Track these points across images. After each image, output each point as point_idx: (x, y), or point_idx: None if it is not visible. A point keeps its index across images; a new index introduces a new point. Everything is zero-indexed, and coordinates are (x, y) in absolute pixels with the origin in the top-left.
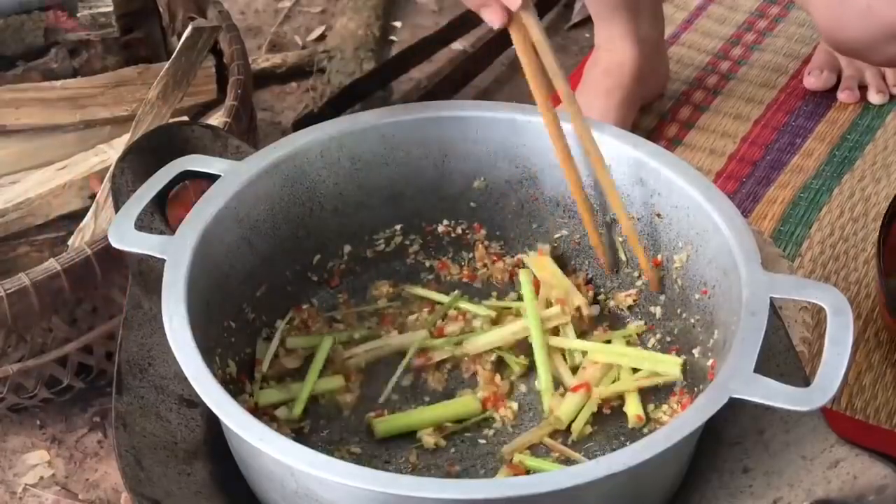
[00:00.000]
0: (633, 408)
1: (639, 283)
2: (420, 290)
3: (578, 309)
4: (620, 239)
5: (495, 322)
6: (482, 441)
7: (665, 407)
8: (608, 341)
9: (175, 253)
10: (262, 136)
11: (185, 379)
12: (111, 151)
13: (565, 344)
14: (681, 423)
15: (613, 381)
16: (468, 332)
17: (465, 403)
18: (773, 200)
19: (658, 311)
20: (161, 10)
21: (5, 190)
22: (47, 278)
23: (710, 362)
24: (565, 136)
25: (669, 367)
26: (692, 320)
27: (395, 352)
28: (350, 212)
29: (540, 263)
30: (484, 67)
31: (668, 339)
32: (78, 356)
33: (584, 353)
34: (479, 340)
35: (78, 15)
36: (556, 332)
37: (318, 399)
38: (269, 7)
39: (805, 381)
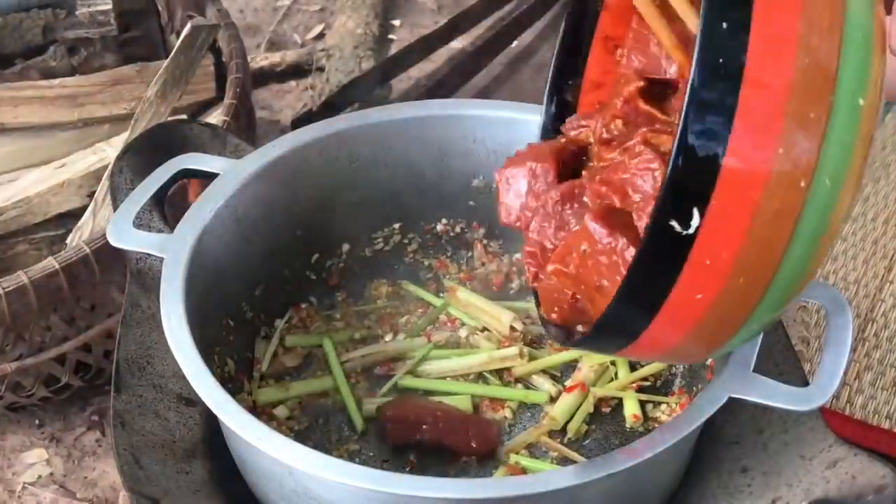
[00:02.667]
0: (630, 407)
1: None
2: (417, 290)
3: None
4: None
5: (484, 329)
6: None
7: (663, 406)
8: None
9: (174, 251)
10: (260, 135)
11: (184, 377)
12: (110, 150)
13: (546, 363)
14: (679, 422)
15: (610, 381)
16: (453, 342)
17: (458, 404)
18: None
19: None
20: (160, 8)
21: (4, 188)
22: (46, 276)
23: (708, 362)
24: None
25: None
26: None
27: (390, 358)
28: (349, 211)
29: (458, 301)
30: (483, 66)
31: None
32: (76, 355)
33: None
34: (468, 361)
35: (77, 13)
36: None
37: (316, 398)
38: (267, 5)
39: (804, 381)
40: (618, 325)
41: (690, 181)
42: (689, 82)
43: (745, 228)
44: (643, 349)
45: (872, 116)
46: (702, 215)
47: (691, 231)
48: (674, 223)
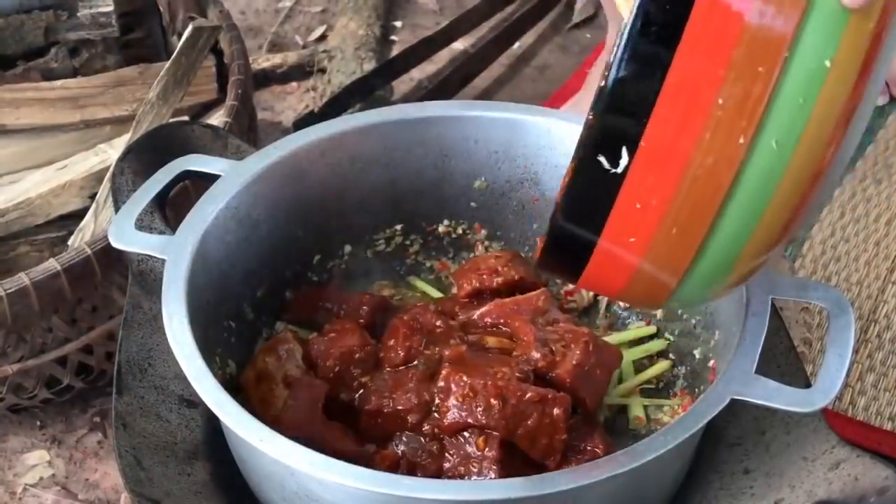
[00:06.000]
0: (634, 409)
1: None
2: (419, 283)
3: None
4: None
5: None
6: None
7: (666, 408)
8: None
9: (175, 253)
10: (262, 136)
11: (185, 379)
12: (111, 151)
13: None
14: (682, 424)
15: (615, 386)
16: None
17: None
18: None
19: (659, 311)
20: (161, 9)
21: (5, 189)
22: (47, 278)
23: (711, 363)
24: None
25: (654, 344)
26: (693, 321)
27: None
28: (350, 212)
29: None
30: (484, 67)
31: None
32: (78, 356)
33: None
34: None
35: (78, 14)
36: None
37: None
38: (269, 7)
39: (806, 382)
40: (556, 264)
41: (621, 118)
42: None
43: (676, 179)
44: (592, 284)
45: (844, 82)
46: (632, 155)
47: (619, 171)
48: (602, 159)
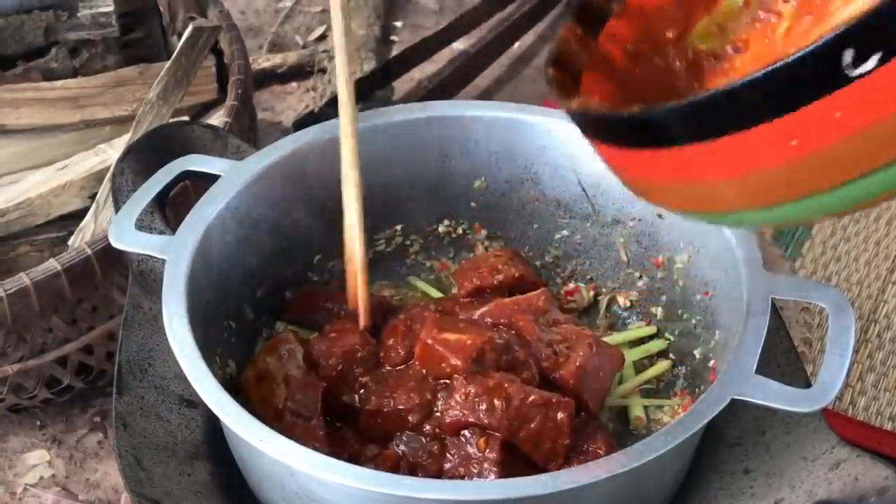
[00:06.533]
0: (634, 409)
1: (640, 283)
2: (419, 283)
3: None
4: (622, 240)
5: None
6: None
7: (666, 408)
8: None
9: (175, 253)
10: (262, 136)
11: (186, 379)
12: (111, 151)
13: None
14: (682, 424)
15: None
16: None
17: None
18: None
19: (659, 311)
20: (161, 9)
21: (5, 189)
22: (47, 278)
23: (711, 363)
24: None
25: (654, 344)
26: (693, 321)
27: None
28: None
29: None
30: (485, 67)
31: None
32: (78, 356)
33: None
34: None
35: (78, 14)
36: None
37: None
38: (269, 7)
39: (806, 382)
40: (676, 123)
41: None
42: None
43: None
44: (672, 169)
45: None
46: (880, 63)
47: (853, 74)
48: (846, 54)
